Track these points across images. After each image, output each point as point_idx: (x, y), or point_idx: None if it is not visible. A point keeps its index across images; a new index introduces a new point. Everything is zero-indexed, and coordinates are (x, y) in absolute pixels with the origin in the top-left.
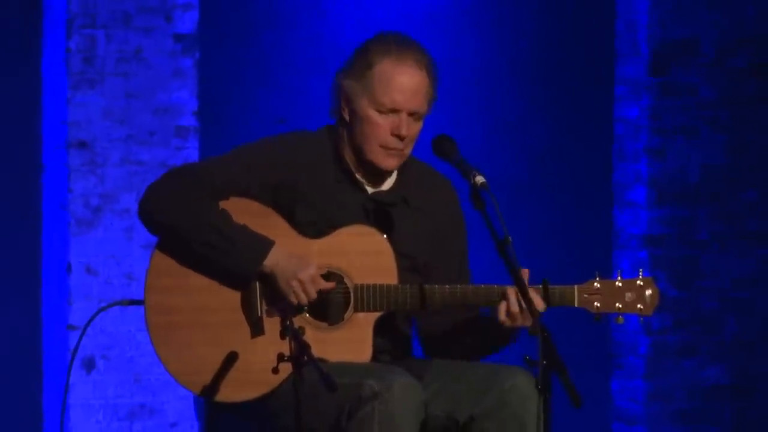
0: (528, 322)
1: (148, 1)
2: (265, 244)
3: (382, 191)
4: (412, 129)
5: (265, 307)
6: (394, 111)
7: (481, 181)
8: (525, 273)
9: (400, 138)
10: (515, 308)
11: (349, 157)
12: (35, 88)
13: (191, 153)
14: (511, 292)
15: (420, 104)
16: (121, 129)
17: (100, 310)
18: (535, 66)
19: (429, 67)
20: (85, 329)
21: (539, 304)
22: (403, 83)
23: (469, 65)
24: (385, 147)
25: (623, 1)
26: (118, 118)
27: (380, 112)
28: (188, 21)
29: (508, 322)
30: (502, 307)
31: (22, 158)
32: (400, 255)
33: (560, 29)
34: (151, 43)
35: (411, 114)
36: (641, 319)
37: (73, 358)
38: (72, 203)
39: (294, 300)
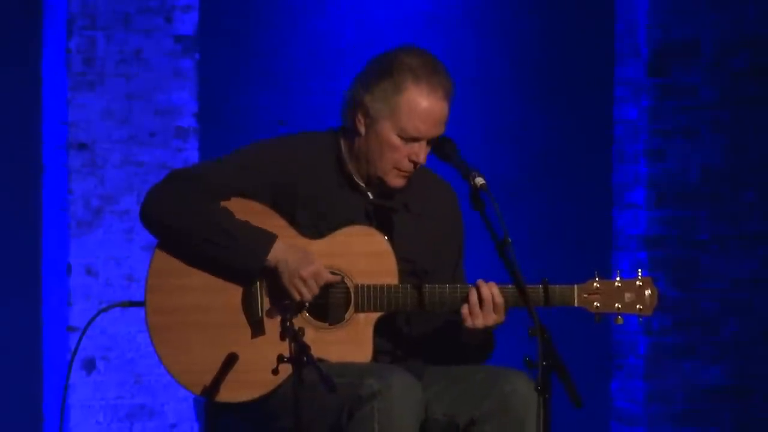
0: (496, 321)
1: (148, 2)
2: (267, 238)
3: (384, 196)
4: (426, 152)
5: (266, 307)
6: (416, 139)
7: (480, 183)
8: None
9: (416, 164)
10: (475, 306)
11: (353, 163)
12: (35, 89)
13: (191, 154)
14: (473, 292)
15: (440, 132)
16: (121, 130)
17: (100, 311)
18: (535, 67)
19: (452, 94)
20: (84, 331)
21: (498, 298)
22: (430, 114)
23: (469, 66)
24: (399, 169)
25: (623, 2)
26: (118, 119)
27: (401, 137)
28: (188, 22)
29: (472, 323)
30: (464, 309)
31: (23, 159)
32: (400, 259)
33: (560, 30)
34: (151, 44)
35: (429, 141)
36: (640, 319)
37: (72, 360)
38: (72, 204)
39: (296, 296)
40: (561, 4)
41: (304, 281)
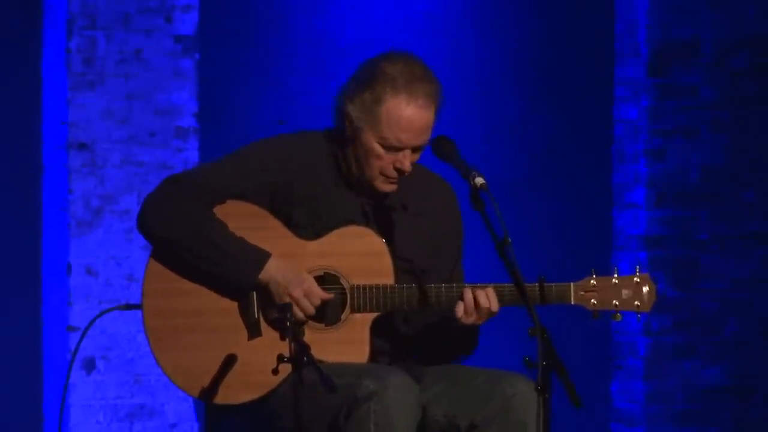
0: (484, 319)
1: (148, 2)
2: (260, 257)
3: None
4: (413, 159)
5: (262, 309)
6: (399, 148)
7: (480, 182)
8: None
9: (402, 172)
10: (471, 306)
11: (348, 165)
12: (35, 89)
13: (191, 154)
14: (468, 292)
15: (425, 140)
16: (121, 130)
17: (101, 313)
18: (535, 67)
19: (437, 100)
20: (84, 333)
21: (494, 305)
22: (411, 124)
23: (469, 66)
24: (385, 176)
25: (623, 2)
26: (118, 119)
27: (384, 146)
28: (188, 22)
29: (465, 321)
30: (459, 307)
31: (23, 159)
32: (398, 258)
33: (560, 30)
34: (151, 44)
35: (414, 149)
36: (638, 316)
37: (73, 360)
38: (72, 204)
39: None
40: (561, 4)
41: (296, 301)
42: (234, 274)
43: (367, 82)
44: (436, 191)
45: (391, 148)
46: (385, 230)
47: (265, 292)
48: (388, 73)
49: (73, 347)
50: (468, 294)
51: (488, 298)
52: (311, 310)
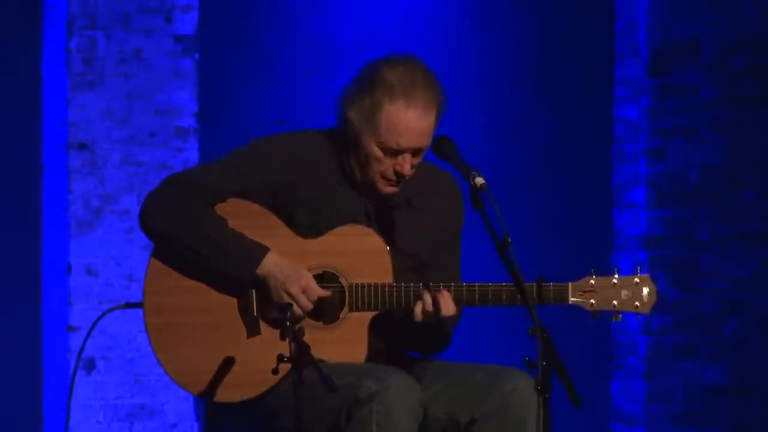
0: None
1: (148, 2)
2: (257, 252)
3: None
4: (414, 162)
5: (261, 307)
6: (398, 152)
7: (480, 183)
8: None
9: (402, 175)
10: (429, 308)
11: (350, 167)
12: (35, 89)
13: (191, 154)
14: (426, 291)
15: (425, 143)
16: (121, 130)
17: (104, 313)
18: (535, 67)
19: (437, 105)
20: (90, 332)
21: (451, 308)
22: (410, 130)
23: (469, 66)
24: (386, 178)
25: (623, 2)
26: (118, 119)
27: (383, 150)
28: (188, 22)
29: (423, 320)
30: (417, 308)
31: (23, 159)
32: (402, 255)
33: (560, 30)
34: (151, 44)
35: (415, 152)
36: (638, 317)
37: (78, 360)
38: (72, 204)
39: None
40: (561, 4)
41: (293, 297)
42: (232, 269)
43: (367, 87)
44: (441, 186)
45: (390, 152)
46: (389, 229)
47: (263, 287)
48: (387, 79)
49: (73, 347)
50: (427, 296)
51: (438, 304)
52: (309, 307)
